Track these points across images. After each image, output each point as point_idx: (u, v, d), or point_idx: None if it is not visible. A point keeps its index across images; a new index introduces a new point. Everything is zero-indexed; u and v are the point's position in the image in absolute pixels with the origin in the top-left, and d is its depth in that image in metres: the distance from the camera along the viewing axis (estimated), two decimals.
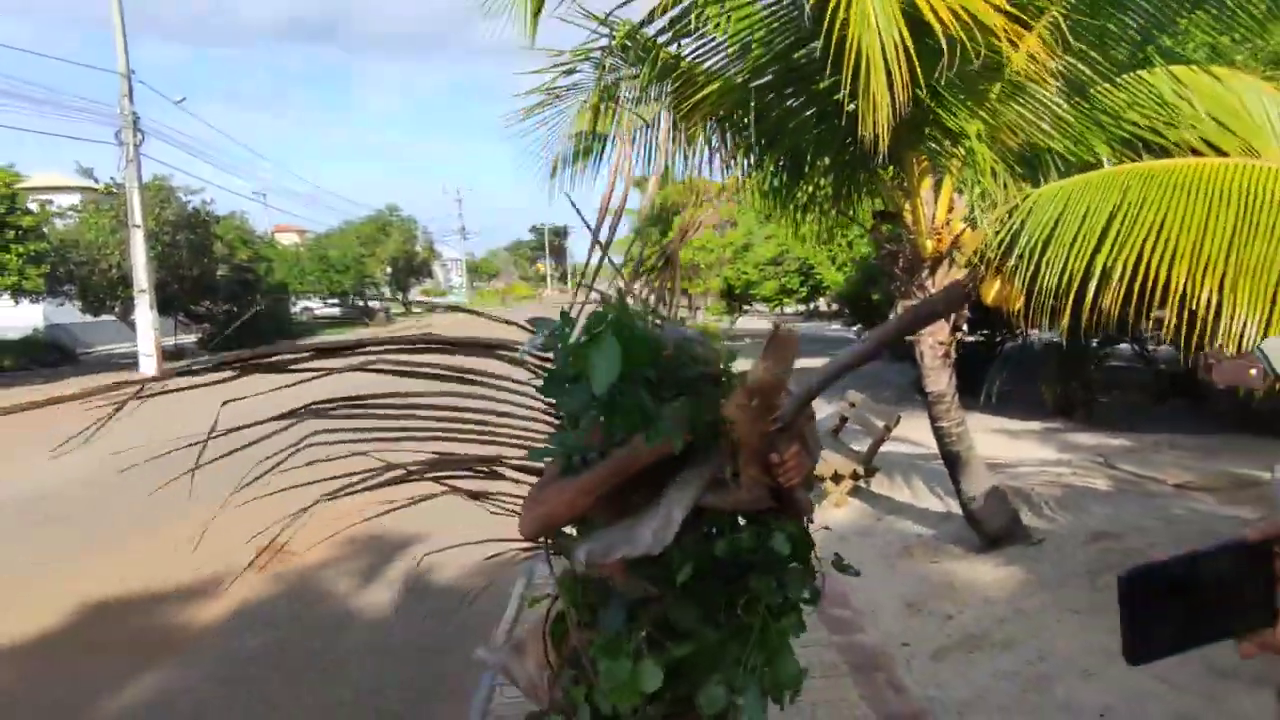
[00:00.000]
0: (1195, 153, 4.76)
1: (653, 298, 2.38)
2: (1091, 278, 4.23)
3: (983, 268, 5.16)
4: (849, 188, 5.59)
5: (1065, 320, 4.46)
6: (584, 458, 1.78)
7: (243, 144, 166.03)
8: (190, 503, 1.83)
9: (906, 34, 3.62)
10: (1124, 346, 12.44)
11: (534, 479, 2.08)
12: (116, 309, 23.88)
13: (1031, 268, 4.53)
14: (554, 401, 2.09)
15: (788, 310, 30.70)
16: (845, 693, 3.94)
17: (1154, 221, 4.06)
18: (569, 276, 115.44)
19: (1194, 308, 3.94)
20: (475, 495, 2.31)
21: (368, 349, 2.03)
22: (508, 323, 2.19)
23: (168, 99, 24.76)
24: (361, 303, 38.60)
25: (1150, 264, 4.01)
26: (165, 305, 22.60)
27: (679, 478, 1.74)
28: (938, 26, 3.48)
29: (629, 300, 2.08)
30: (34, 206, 18.88)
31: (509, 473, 2.27)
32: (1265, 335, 3.69)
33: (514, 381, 2.17)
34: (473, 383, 2.13)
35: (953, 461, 5.72)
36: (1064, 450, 8.54)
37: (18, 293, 18.45)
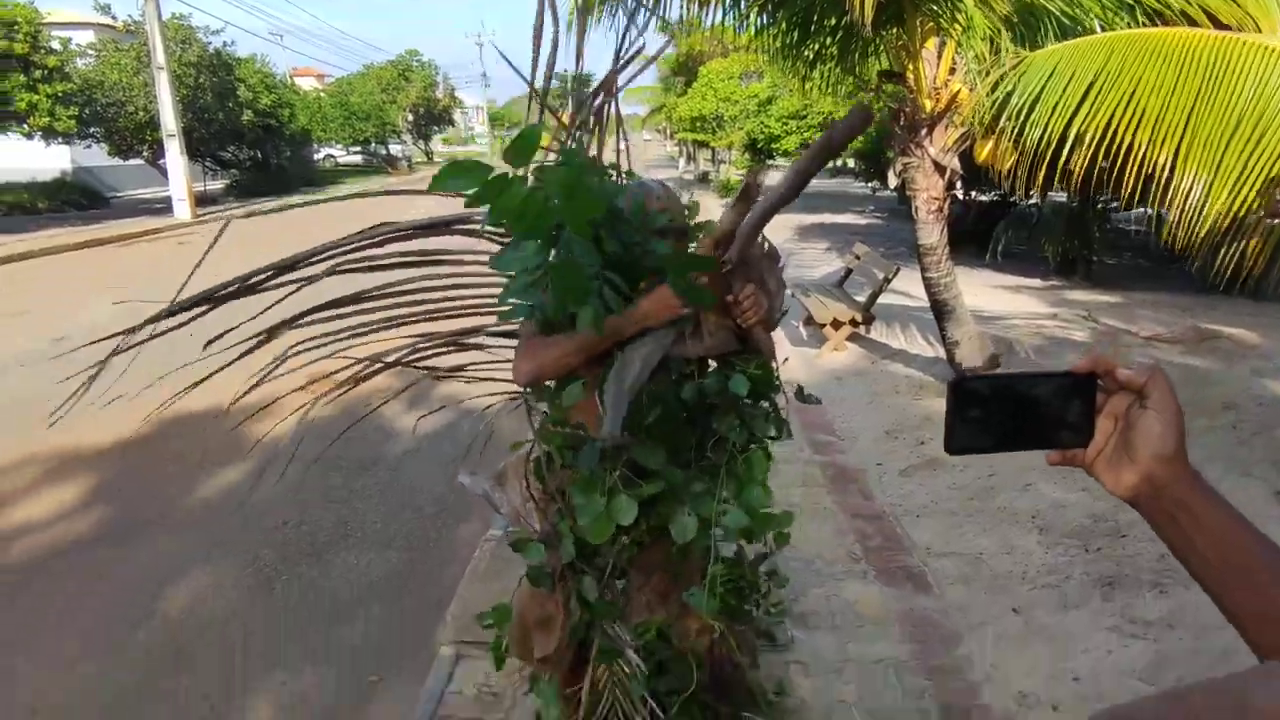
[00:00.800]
0: (1193, 24, 4.98)
1: (595, 150, 2.27)
2: (1067, 141, 4.60)
3: (976, 127, 5.51)
4: (855, 46, 5.85)
5: (1040, 181, 4.86)
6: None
7: None
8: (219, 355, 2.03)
9: None
10: (1140, 210, 12.62)
11: (512, 342, 2.22)
12: (144, 153, 24.06)
13: (1018, 129, 4.89)
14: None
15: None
16: (821, 500, 4.63)
17: (1127, 89, 4.39)
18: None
19: (1150, 171, 4.34)
20: (456, 369, 2.46)
21: (331, 253, 2.05)
22: (419, 192, 2.12)
23: None
24: (384, 151, 38.47)
25: (1118, 130, 4.37)
26: (192, 150, 22.76)
27: (646, 336, 1.84)
28: None
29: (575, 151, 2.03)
30: (56, 45, 18.76)
31: (488, 340, 2.42)
32: (1208, 198, 4.10)
33: (475, 254, 2.22)
34: (439, 262, 2.21)
35: (940, 310, 6.24)
36: (1056, 305, 9.01)
37: (48, 134, 18.69)
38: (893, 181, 6.84)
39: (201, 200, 21.75)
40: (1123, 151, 4.34)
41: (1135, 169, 4.31)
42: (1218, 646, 2.91)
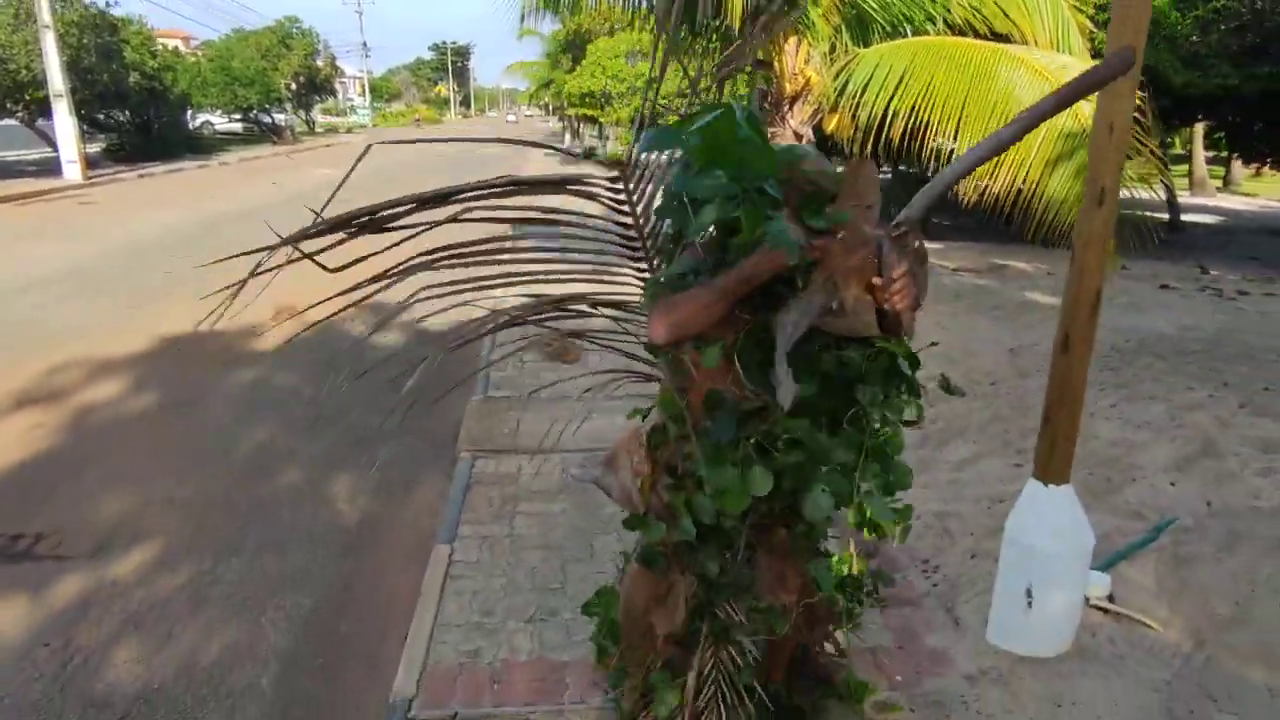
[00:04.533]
0: (978, 34, 6.85)
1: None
2: (887, 118, 6.38)
3: (825, 106, 7.28)
4: (733, 41, 7.50)
5: (870, 147, 6.64)
6: (707, 272, 1.85)
7: None
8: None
9: None
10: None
11: (623, 313, 2.31)
12: (19, 113, 23.41)
13: (854, 108, 6.66)
14: (631, 237, 2.24)
15: None
16: None
17: (925, 80, 6.20)
18: (471, 101, 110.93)
19: (942, 140, 6.18)
20: (576, 334, 2.50)
21: (461, 197, 2.03)
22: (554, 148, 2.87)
23: None
24: (268, 119, 37.89)
25: (919, 110, 6.18)
26: (78, 112, 22.40)
27: (792, 303, 1.78)
28: None
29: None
30: None
31: (602, 310, 2.38)
32: None
33: (588, 216, 2.29)
34: (557, 223, 2.21)
35: None
36: None
37: None
38: None
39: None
40: (923, 125, 6.16)
41: (931, 140, 6.14)
42: None
